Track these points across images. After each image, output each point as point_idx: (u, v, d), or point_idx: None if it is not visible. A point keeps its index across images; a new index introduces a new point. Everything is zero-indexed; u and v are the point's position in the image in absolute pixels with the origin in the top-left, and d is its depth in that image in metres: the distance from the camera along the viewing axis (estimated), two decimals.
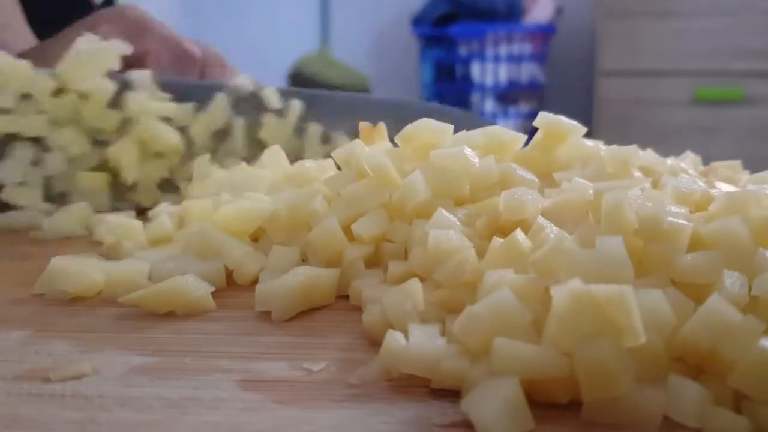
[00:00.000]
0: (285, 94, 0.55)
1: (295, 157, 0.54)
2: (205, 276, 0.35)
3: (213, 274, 0.36)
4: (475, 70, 2.27)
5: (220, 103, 0.54)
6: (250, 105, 0.55)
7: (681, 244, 0.27)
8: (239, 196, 0.42)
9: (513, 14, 2.25)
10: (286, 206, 0.38)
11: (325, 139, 0.55)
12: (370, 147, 0.40)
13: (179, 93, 0.54)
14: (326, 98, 0.56)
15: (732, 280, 0.26)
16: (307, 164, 0.44)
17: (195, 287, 0.33)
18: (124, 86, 0.52)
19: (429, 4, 2.31)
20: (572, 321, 0.23)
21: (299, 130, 0.55)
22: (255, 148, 0.54)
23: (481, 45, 2.25)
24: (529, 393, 0.23)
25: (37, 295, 0.36)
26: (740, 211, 0.29)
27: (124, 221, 0.42)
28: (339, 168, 0.43)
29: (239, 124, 0.54)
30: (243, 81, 0.55)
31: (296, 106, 0.55)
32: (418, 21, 2.31)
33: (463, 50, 2.27)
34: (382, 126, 0.43)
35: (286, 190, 0.41)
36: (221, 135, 0.55)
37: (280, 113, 0.55)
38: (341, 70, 2.39)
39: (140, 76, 0.53)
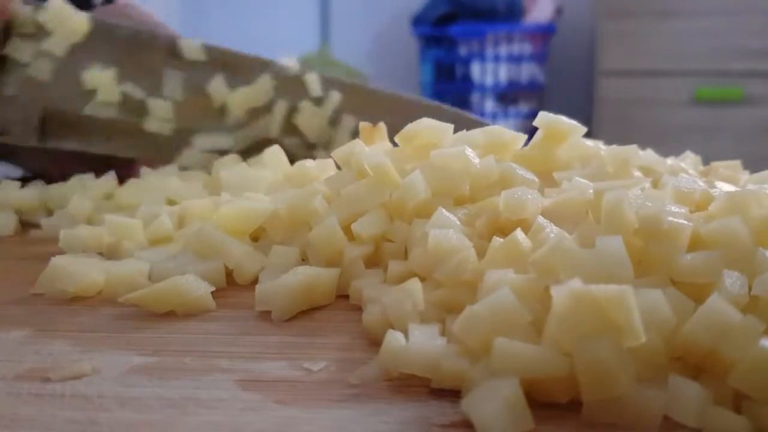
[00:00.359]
0: (326, 83, 0.56)
1: (324, 146, 0.56)
2: (205, 276, 0.35)
3: (213, 273, 0.36)
4: (475, 70, 2.26)
5: (265, 83, 0.55)
6: (290, 88, 0.56)
7: (681, 243, 0.27)
8: (239, 195, 0.42)
9: (513, 14, 2.24)
10: (286, 206, 0.38)
11: (358, 133, 0.57)
12: (370, 147, 0.40)
13: (227, 65, 0.56)
14: (365, 93, 0.58)
15: (732, 280, 0.26)
16: (308, 164, 0.44)
17: (195, 287, 0.33)
18: (175, 51, 0.55)
19: (429, 4, 2.30)
20: (572, 321, 0.23)
21: (333, 121, 0.56)
22: (288, 131, 0.56)
23: (481, 45, 2.25)
24: (529, 393, 0.23)
25: (37, 295, 0.36)
26: (740, 211, 0.29)
27: (124, 221, 0.42)
28: (339, 168, 0.43)
29: (281, 106, 0.55)
30: (288, 62, 0.56)
31: (335, 96, 0.56)
32: (418, 21, 2.30)
33: (463, 50, 2.27)
34: (382, 126, 0.43)
35: (286, 190, 0.41)
36: (253, 112, 0.56)
37: (317, 101, 0.56)
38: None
39: (192, 44, 0.55)
